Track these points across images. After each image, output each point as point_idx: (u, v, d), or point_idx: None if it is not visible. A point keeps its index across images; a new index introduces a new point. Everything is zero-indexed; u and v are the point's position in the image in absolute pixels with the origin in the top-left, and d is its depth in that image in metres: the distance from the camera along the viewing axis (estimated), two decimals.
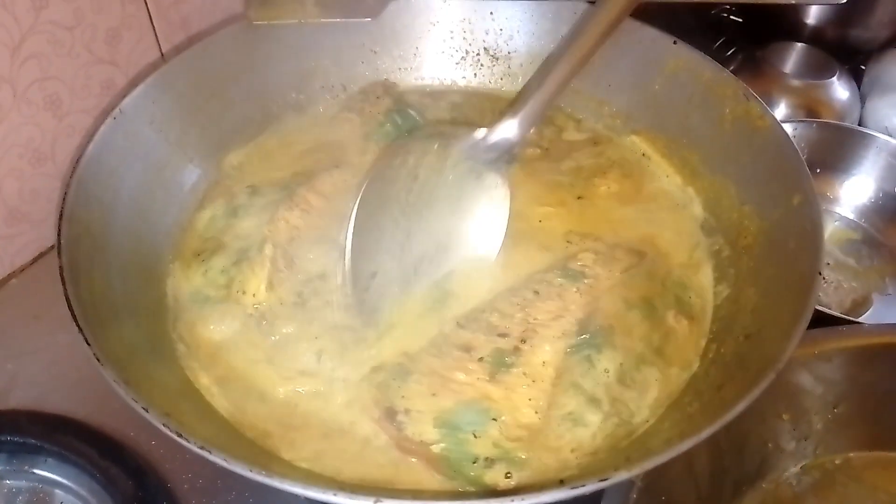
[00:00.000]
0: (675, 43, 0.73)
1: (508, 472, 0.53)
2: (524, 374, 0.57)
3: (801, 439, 0.68)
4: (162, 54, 0.86)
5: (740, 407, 0.47)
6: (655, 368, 0.59)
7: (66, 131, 0.80)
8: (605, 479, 0.44)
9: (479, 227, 0.67)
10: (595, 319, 0.61)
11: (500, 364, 0.58)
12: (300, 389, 0.58)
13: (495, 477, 0.53)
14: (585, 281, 0.63)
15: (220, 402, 0.57)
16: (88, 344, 0.49)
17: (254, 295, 0.62)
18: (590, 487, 0.44)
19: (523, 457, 0.54)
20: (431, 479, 0.54)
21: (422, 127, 0.77)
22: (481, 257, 0.66)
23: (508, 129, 0.65)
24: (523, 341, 0.59)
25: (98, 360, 0.48)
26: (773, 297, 0.58)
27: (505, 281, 0.64)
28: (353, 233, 0.59)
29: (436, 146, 0.65)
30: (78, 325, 0.50)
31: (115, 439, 0.65)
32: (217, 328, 0.62)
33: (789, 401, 0.67)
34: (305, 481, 0.44)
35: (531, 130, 0.66)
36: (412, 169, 0.64)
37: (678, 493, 0.60)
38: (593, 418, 0.56)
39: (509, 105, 0.66)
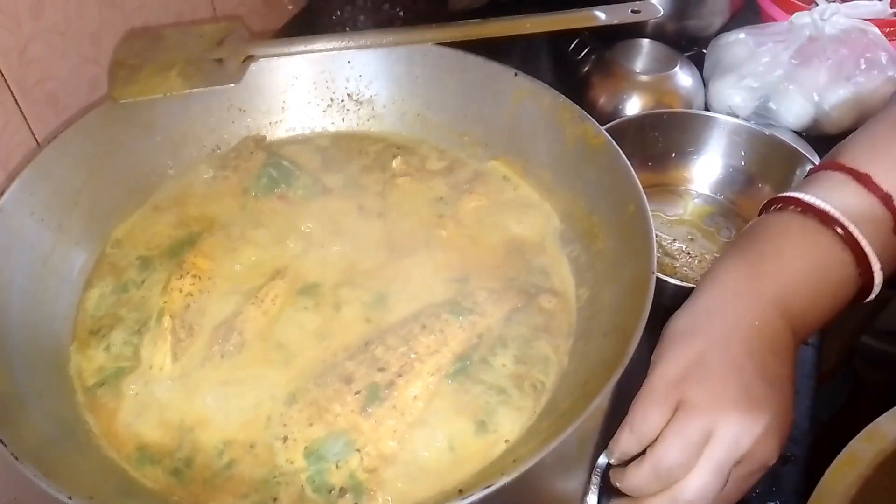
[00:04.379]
0: (515, 75, 0.80)
1: (356, 503, 0.58)
2: (394, 407, 0.62)
3: None
4: (33, 134, 0.86)
5: (597, 401, 0.54)
6: (545, 342, 0.67)
7: None
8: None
9: None
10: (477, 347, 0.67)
11: (373, 398, 0.62)
12: (219, 441, 0.62)
13: None
14: (470, 317, 0.68)
15: (143, 473, 0.60)
16: (4, 445, 0.52)
17: (160, 368, 0.66)
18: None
19: (372, 488, 0.58)
20: None
21: (297, 175, 0.82)
22: None
23: None
24: (399, 375, 0.63)
25: (16, 458, 0.51)
26: (622, 298, 0.65)
27: (404, 312, 0.69)
28: None
29: None
30: None
31: None
32: (129, 397, 0.65)
33: None
34: None
35: None
36: None
37: None
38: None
39: None
